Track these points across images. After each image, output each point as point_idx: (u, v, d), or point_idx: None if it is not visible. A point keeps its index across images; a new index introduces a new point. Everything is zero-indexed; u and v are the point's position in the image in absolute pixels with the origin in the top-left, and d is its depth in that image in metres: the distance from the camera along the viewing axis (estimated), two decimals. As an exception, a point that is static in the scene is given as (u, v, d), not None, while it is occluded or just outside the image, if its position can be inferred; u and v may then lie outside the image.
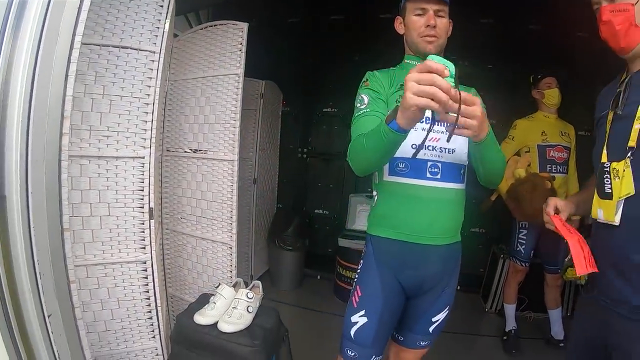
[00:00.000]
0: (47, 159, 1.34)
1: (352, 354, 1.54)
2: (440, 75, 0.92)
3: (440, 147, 1.43)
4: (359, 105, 1.48)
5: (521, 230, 3.10)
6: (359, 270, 1.58)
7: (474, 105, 1.03)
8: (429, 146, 1.42)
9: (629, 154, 1.16)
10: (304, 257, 4.06)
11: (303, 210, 4.43)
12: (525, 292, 3.64)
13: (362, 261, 1.59)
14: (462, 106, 0.98)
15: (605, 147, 1.26)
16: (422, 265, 1.49)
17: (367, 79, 1.54)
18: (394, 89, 1.50)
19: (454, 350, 3.08)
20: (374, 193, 1.57)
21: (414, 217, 1.45)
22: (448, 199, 1.47)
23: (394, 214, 1.47)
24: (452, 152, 1.45)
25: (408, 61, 1.60)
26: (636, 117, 1.15)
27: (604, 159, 1.25)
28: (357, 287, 1.55)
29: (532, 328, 3.53)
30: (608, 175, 1.21)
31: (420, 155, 1.40)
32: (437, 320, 1.60)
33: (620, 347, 1.19)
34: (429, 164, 1.43)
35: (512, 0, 3.85)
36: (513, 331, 3.16)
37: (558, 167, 2.86)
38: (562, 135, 2.89)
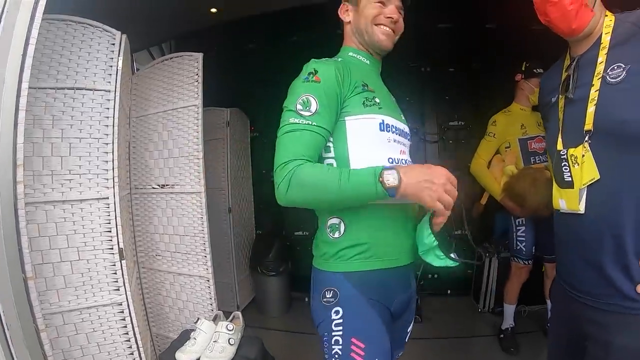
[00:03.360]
0: (3, 209, 1.31)
1: None
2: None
3: (406, 160, 1.34)
4: (300, 108, 1.17)
5: (519, 227, 3.02)
6: (337, 321, 1.21)
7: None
8: (401, 160, 1.30)
9: (586, 138, 1.14)
10: (289, 280, 4.00)
11: (282, 234, 4.37)
12: (516, 288, 3.65)
13: (339, 309, 1.22)
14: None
15: (560, 134, 1.24)
16: (409, 285, 1.36)
17: (315, 71, 1.22)
18: (352, 88, 1.25)
19: (454, 356, 3.08)
20: (335, 221, 1.27)
21: (396, 239, 1.27)
22: (412, 213, 1.34)
23: (374, 241, 1.24)
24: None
25: (352, 54, 1.39)
26: (589, 99, 1.14)
27: (560, 146, 1.23)
28: (352, 339, 1.19)
29: (528, 321, 3.53)
30: (566, 163, 1.19)
31: None
32: (411, 328, 1.49)
33: (595, 338, 1.17)
34: None
35: (466, 2, 3.94)
36: (510, 329, 3.14)
37: (541, 157, 2.83)
38: (538, 125, 2.87)
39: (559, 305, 1.38)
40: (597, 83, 1.14)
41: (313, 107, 1.16)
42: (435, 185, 1.05)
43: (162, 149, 2.48)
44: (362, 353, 1.17)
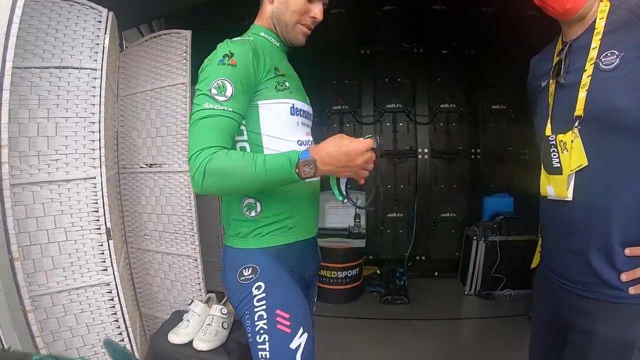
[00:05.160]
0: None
1: None
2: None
3: (311, 141, 1.38)
4: (215, 93, 1.13)
5: None
6: (259, 296, 1.23)
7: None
8: (307, 141, 1.36)
9: (576, 124, 1.12)
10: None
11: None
12: (501, 271, 3.72)
13: (261, 284, 1.24)
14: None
15: (549, 119, 1.23)
16: (317, 256, 1.48)
17: (230, 53, 1.17)
18: (265, 72, 1.23)
19: (439, 337, 3.13)
20: (250, 201, 1.28)
21: (310, 212, 1.39)
22: (319, 187, 1.45)
23: (292, 216, 1.31)
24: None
25: (264, 35, 1.35)
26: (581, 85, 1.12)
27: (548, 131, 1.21)
28: (277, 311, 1.23)
29: (513, 306, 3.59)
30: (555, 149, 1.18)
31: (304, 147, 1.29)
32: (315, 295, 1.58)
33: (577, 325, 1.18)
34: None
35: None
36: None
37: None
38: None
39: (542, 291, 1.38)
40: (589, 69, 1.12)
41: (228, 92, 1.13)
42: (352, 168, 1.11)
43: (150, 128, 2.45)
44: (287, 323, 1.22)
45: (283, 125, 1.27)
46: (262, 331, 1.22)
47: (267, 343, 1.22)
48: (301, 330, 1.24)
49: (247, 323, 1.26)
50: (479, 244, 3.82)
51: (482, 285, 3.84)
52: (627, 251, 1.08)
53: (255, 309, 1.23)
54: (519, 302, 3.62)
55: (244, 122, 1.23)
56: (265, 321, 1.22)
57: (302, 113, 1.33)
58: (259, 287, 1.23)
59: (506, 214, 3.91)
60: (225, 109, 1.12)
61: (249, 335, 1.26)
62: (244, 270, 1.26)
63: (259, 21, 1.37)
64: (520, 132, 4.14)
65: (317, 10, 1.31)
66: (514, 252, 3.68)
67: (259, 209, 1.28)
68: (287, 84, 1.28)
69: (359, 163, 1.10)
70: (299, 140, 1.31)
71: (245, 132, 1.25)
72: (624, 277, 1.08)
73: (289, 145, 1.26)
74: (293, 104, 1.28)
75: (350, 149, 1.08)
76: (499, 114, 4.34)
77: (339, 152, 1.08)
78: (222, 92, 1.12)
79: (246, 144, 1.26)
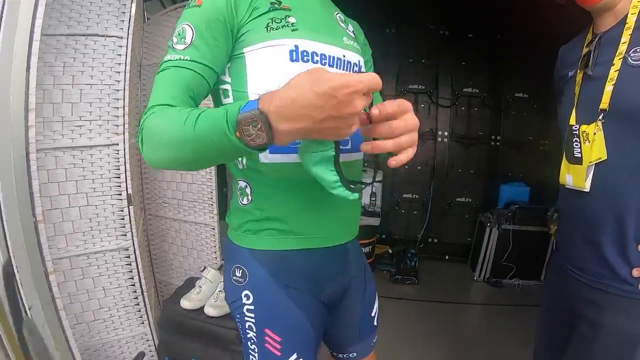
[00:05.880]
0: (15, 153, 1.34)
1: None
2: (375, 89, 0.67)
3: None
4: (175, 41, 0.86)
5: None
6: (248, 307, 1.01)
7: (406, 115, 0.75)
8: None
9: (600, 117, 1.12)
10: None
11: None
12: (512, 260, 3.72)
13: (249, 293, 1.00)
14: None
15: (574, 109, 1.22)
16: (343, 270, 1.09)
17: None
18: (251, 10, 0.90)
19: (444, 320, 3.15)
20: (242, 184, 1.01)
21: (324, 211, 1.00)
22: (357, 176, 1.06)
23: (290, 213, 0.98)
24: None
25: None
26: (608, 78, 1.11)
27: (572, 121, 1.21)
28: (266, 330, 1.00)
29: (521, 295, 3.60)
30: (577, 139, 1.18)
31: None
32: (376, 310, 1.25)
33: (586, 316, 1.19)
34: None
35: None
36: None
37: None
38: None
39: (554, 279, 1.39)
40: (617, 63, 1.11)
41: (188, 38, 0.85)
42: (343, 119, 0.66)
43: (173, 97, 2.46)
44: (277, 346, 1.00)
45: (280, 78, 0.75)
46: (251, 341, 1.02)
47: (256, 354, 1.02)
48: (295, 356, 1.01)
49: (239, 325, 1.05)
50: (492, 231, 3.81)
51: (492, 272, 3.85)
52: None
53: (246, 318, 1.01)
54: (526, 292, 3.63)
55: (228, 79, 0.93)
56: (254, 334, 1.01)
57: (319, 57, 0.93)
58: (247, 296, 1.01)
59: (521, 203, 3.89)
60: (182, 57, 0.84)
61: (241, 333, 1.06)
62: (235, 270, 1.03)
63: None
64: (541, 122, 4.13)
65: None
66: (526, 242, 3.69)
67: (250, 196, 1.00)
68: (291, 19, 0.92)
69: (357, 107, 0.65)
70: None
71: (230, 93, 0.94)
72: (636, 272, 1.09)
73: None
74: (296, 46, 0.90)
75: (337, 84, 0.62)
76: (522, 102, 4.26)
77: (315, 95, 0.63)
78: (182, 40, 0.85)
79: None
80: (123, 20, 1.94)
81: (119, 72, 1.93)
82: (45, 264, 1.56)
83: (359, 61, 1.05)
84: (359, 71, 1.02)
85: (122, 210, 1.98)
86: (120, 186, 1.96)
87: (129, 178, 1.96)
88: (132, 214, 1.98)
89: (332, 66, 0.96)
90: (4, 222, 1.26)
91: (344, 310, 1.14)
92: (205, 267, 2.10)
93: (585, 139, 1.16)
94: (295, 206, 0.97)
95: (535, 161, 4.14)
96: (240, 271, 1.01)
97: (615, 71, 1.11)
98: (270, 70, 0.89)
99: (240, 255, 1.02)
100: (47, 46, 1.76)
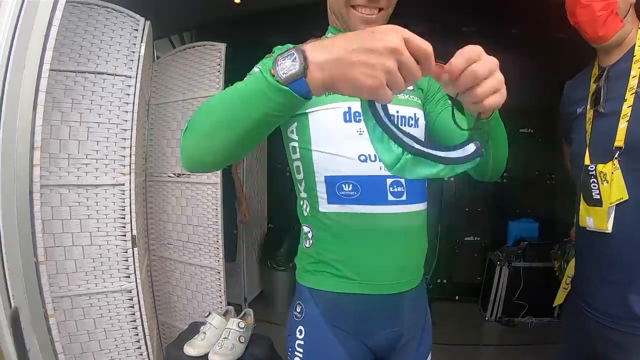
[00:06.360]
0: (18, 192, 1.30)
1: None
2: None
3: None
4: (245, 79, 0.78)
5: None
6: (299, 342, 1.07)
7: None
8: None
9: (616, 155, 1.10)
10: (297, 276, 3.96)
11: (294, 229, 4.32)
12: (524, 298, 3.63)
13: (301, 327, 1.08)
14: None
15: (587, 148, 1.20)
16: (396, 320, 1.09)
17: (273, 52, 0.98)
18: None
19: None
20: (306, 229, 1.10)
21: (379, 259, 1.02)
22: (418, 226, 1.08)
23: (345, 259, 1.03)
24: None
25: (331, 35, 1.11)
26: (621, 115, 1.09)
27: (587, 161, 1.18)
28: None
29: (535, 334, 3.51)
30: (595, 179, 1.15)
31: (372, 171, 0.99)
32: None
33: (610, 358, 1.15)
34: (390, 181, 1.00)
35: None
36: None
37: None
38: None
39: (572, 320, 1.34)
40: (630, 98, 1.10)
41: (253, 71, 0.84)
42: (376, 55, 0.57)
43: (180, 138, 2.45)
44: None
45: (335, 137, 0.98)
46: None
47: None
48: None
49: (289, 356, 1.10)
50: (502, 269, 3.73)
51: (504, 311, 3.74)
52: None
53: (296, 352, 1.07)
54: (540, 330, 3.54)
55: (296, 137, 1.03)
56: None
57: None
58: (300, 331, 1.07)
59: (531, 239, 3.83)
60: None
61: None
62: (297, 306, 1.11)
63: (329, 22, 1.14)
64: (547, 156, 4.10)
65: None
66: (537, 279, 3.59)
67: (311, 240, 1.08)
68: None
69: (390, 44, 0.56)
70: (361, 155, 0.99)
71: (298, 149, 1.04)
72: None
73: (346, 162, 0.99)
74: (349, 108, 0.98)
75: (377, 29, 0.59)
76: (527, 138, 4.25)
77: (354, 33, 0.61)
78: (249, 73, 0.83)
79: (299, 162, 1.06)
80: (132, 60, 1.95)
81: (126, 112, 1.93)
82: (45, 306, 1.50)
83: (414, 114, 1.07)
84: (415, 124, 1.07)
85: (127, 252, 1.93)
86: (125, 227, 1.92)
87: (134, 219, 1.93)
88: (136, 255, 1.94)
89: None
90: (4, 263, 1.21)
91: None
92: (210, 313, 2.03)
93: (604, 179, 1.13)
94: (351, 252, 1.01)
95: (543, 196, 4.10)
96: (300, 307, 1.09)
97: (629, 107, 1.09)
98: (327, 129, 0.99)
99: (301, 293, 1.10)
100: (57, 82, 1.77)
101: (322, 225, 1.04)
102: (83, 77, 1.86)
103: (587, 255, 1.25)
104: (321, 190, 1.03)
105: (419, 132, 1.08)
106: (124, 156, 1.91)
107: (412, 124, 1.06)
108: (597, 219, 1.15)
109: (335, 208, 1.01)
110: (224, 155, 0.77)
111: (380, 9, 1.01)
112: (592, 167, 1.16)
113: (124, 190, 1.91)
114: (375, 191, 0.99)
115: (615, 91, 1.14)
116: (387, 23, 0.87)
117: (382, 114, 0.66)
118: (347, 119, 0.98)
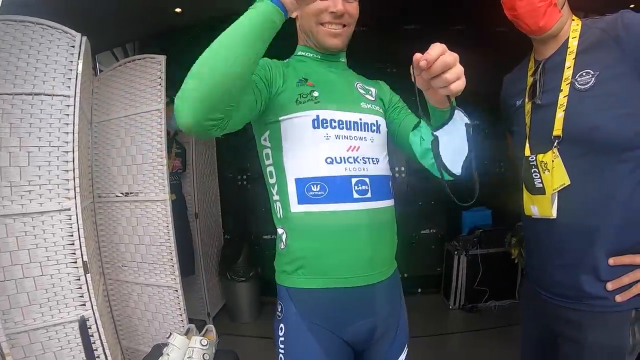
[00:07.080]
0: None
1: None
2: None
3: (363, 158, 1.13)
4: None
5: None
6: (281, 339, 1.15)
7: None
8: (349, 158, 1.11)
9: (555, 144, 1.13)
10: (259, 285, 3.92)
11: (250, 238, 4.27)
12: (484, 284, 3.73)
13: (281, 325, 1.15)
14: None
15: (527, 140, 1.24)
16: (370, 311, 1.15)
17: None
18: (289, 85, 1.13)
19: (427, 354, 3.08)
20: (280, 231, 1.18)
21: (347, 254, 1.10)
22: (384, 221, 1.17)
23: (316, 256, 1.10)
24: (377, 162, 1.17)
25: (302, 53, 1.26)
26: (558, 105, 1.13)
27: (528, 152, 1.22)
28: None
29: (499, 317, 3.61)
30: (536, 169, 1.18)
31: (338, 171, 1.09)
32: (404, 358, 1.28)
33: (568, 336, 1.18)
34: (355, 180, 1.10)
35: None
36: None
37: None
38: None
39: (529, 304, 1.38)
40: (565, 89, 1.13)
41: None
42: None
43: (125, 156, 2.39)
44: None
45: (305, 142, 1.09)
46: None
47: None
48: None
49: (276, 353, 1.17)
50: (460, 258, 3.82)
51: (466, 298, 3.83)
52: (611, 261, 1.09)
53: (279, 350, 1.15)
54: (503, 313, 3.64)
55: (269, 144, 1.14)
56: None
57: (337, 124, 1.11)
58: (281, 329, 1.15)
59: (485, 227, 3.94)
60: None
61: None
62: (278, 306, 1.18)
63: (299, 41, 1.28)
64: (494, 145, 4.23)
65: (329, 2, 1.13)
66: (495, 264, 3.71)
67: (285, 241, 1.15)
68: (315, 94, 1.11)
69: None
70: (328, 158, 1.09)
71: (270, 156, 1.14)
72: (610, 286, 1.09)
73: (314, 165, 1.08)
74: (317, 115, 1.09)
75: None
76: (473, 129, 4.36)
77: None
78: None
79: (272, 168, 1.15)
80: (70, 78, 1.87)
81: (67, 133, 1.85)
82: (1, 345, 1.42)
83: (376, 121, 1.21)
84: (377, 130, 1.20)
85: (79, 279, 1.84)
86: (75, 253, 1.84)
87: (83, 245, 1.84)
88: (89, 281, 1.85)
89: (350, 129, 1.13)
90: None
91: (371, 353, 1.21)
92: (170, 333, 1.97)
93: (545, 168, 1.16)
94: (321, 248, 1.10)
95: (493, 184, 4.23)
96: (280, 307, 1.17)
97: (564, 97, 1.13)
98: (298, 135, 1.09)
99: (281, 293, 1.17)
100: (-6, 106, 1.67)
101: (294, 226, 1.12)
102: (20, 100, 1.77)
103: (536, 242, 1.28)
104: (292, 191, 1.11)
105: (381, 137, 1.21)
106: (67, 180, 1.83)
107: (374, 130, 1.19)
108: (541, 207, 1.19)
109: (305, 208, 1.10)
110: (230, 81, 0.84)
111: (344, 25, 1.18)
112: (532, 158, 1.19)
113: (70, 215, 1.82)
114: (341, 190, 1.09)
115: (552, 83, 1.18)
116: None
117: None
118: (316, 125, 1.09)
